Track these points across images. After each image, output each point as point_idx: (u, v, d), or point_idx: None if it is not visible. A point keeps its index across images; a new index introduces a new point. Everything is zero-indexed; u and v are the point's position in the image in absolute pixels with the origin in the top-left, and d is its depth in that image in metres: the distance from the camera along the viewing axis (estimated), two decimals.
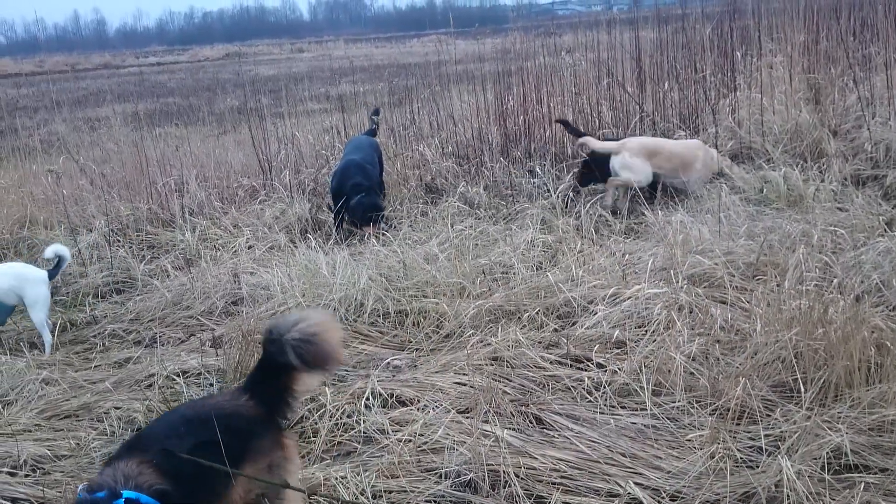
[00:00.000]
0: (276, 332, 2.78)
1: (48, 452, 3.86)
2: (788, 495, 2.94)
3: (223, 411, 2.73)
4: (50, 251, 5.50)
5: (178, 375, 4.53)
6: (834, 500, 2.93)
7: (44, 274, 5.44)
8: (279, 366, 2.79)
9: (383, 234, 6.36)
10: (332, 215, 7.15)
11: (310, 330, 2.75)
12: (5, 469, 3.75)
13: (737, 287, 4.75)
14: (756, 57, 9.43)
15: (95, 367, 4.95)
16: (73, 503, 2.46)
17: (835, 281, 4.34)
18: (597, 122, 8.51)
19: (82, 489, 2.43)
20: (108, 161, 10.22)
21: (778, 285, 4.39)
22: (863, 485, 3.00)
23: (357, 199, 6.86)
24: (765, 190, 6.54)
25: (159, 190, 8.26)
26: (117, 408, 4.26)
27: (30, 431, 4.13)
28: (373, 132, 8.53)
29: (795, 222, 5.61)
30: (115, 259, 6.74)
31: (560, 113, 8.58)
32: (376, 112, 9.10)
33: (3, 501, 3.48)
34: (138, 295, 6.11)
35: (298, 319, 2.79)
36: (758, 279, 4.78)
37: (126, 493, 2.36)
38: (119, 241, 7.29)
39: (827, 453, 3.17)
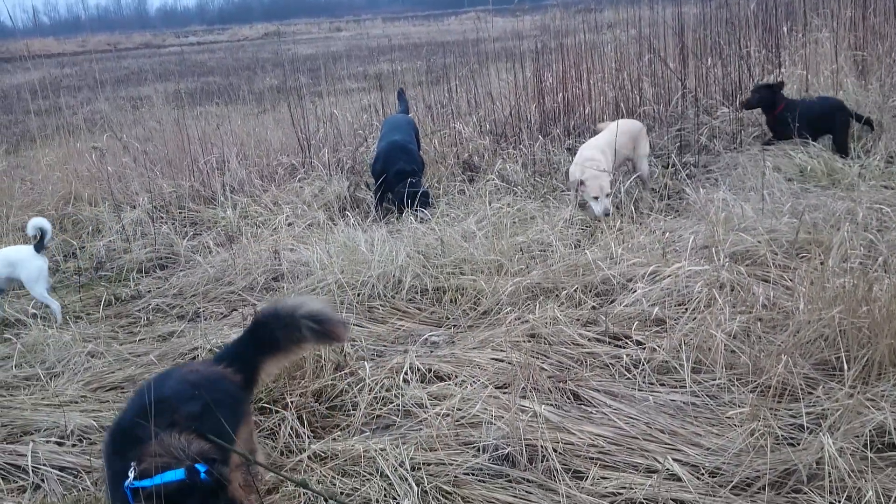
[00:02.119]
0: (283, 311, 3.10)
1: (94, 423, 3.94)
2: (830, 472, 2.92)
3: (218, 376, 2.95)
4: (31, 226, 5.51)
5: (221, 349, 4.58)
6: (876, 478, 2.90)
7: (30, 249, 5.48)
8: (268, 343, 3.11)
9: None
10: (373, 194, 7.17)
11: (316, 310, 3.09)
12: (53, 439, 3.84)
13: (780, 265, 4.69)
14: (801, 33, 9.24)
15: (140, 340, 5.04)
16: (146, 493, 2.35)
17: (880, 259, 4.26)
18: (637, 98, 8.41)
19: (137, 474, 2.37)
20: (150, 139, 10.35)
21: (822, 263, 4.32)
22: None
23: (404, 187, 6.82)
24: (808, 168, 6.43)
25: (201, 168, 8.36)
26: None
27: (76, 403, 4.22)
28: (406, 109, 8.54)
29: (840, 200, 5.52)
30: (158, 235, 6.85)
31: (600, 89, 8.49)
32: (402, 93, 9.08)
33: (52, 469, 3.58)
34: (181, 270, 6.20)
35: (301, 303, 3.13)
36: (801, 257, 4.73)
37: (199, 467, 2.38)
38: (162, 217, 7.39)
39: (869, 431, 3.13)
